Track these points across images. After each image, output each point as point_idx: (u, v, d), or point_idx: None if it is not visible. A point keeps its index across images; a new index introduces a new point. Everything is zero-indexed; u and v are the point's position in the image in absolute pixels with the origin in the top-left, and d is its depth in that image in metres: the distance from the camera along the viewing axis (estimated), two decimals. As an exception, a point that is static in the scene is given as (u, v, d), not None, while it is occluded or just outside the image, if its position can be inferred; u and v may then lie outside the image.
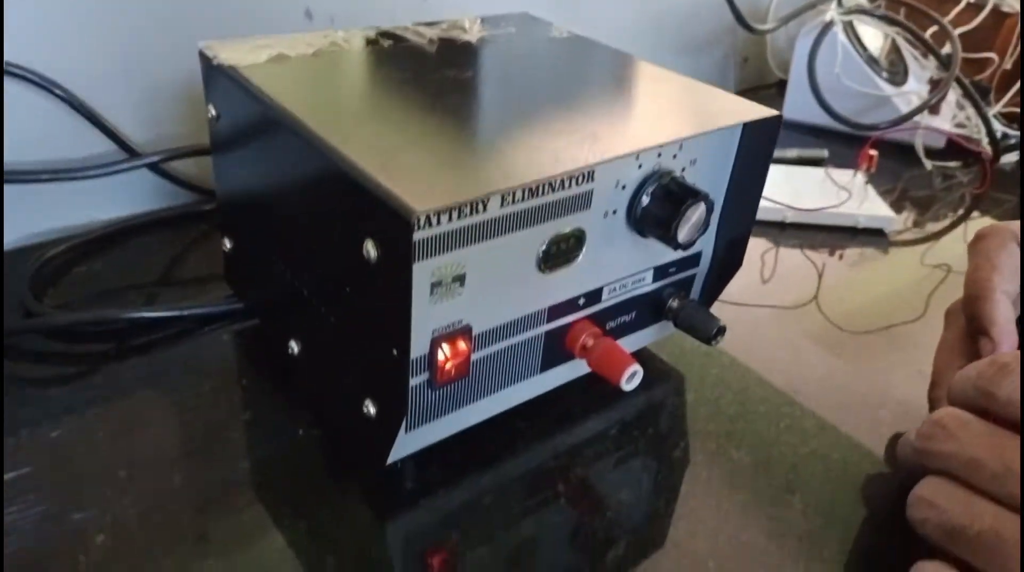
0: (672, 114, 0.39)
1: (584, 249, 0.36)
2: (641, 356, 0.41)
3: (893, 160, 0.75)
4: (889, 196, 0.67)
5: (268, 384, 0.41)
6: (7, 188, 0.49)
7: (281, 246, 0.39)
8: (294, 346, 0.40)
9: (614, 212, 0.36)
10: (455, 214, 0.30)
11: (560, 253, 0.35)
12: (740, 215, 0.41)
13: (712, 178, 0.39)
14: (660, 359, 0.46)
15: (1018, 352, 0.32)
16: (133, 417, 0.39)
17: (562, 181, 0.33)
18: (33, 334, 0.43)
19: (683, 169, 0.37)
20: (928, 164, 0.74)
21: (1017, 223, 0.41)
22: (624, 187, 0.35)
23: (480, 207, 0.30)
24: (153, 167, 0.52)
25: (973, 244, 0.41)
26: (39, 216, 0.50)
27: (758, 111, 0.38)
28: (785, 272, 0.57)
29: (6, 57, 0.46)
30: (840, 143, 0.74)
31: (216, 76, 0.39)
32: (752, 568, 0.34)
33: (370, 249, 0.30)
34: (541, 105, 0.38)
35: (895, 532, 0.36)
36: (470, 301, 0.33)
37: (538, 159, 0.32)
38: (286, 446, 0.38)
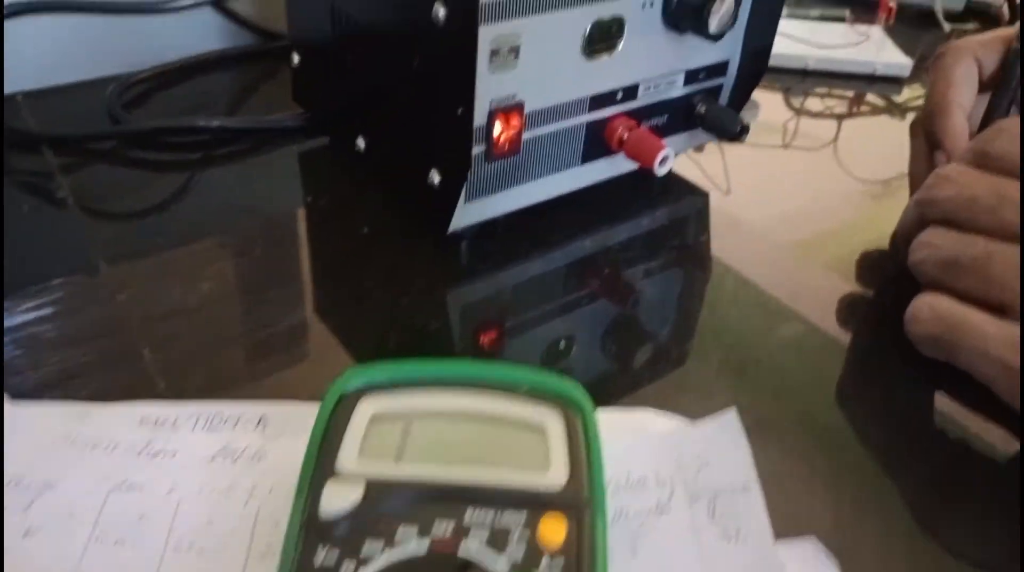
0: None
1: (623, 38, 0.39)
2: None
3: (912, 26, 0.77)
4: (909, 56, 0.70)
5: (336, 183, 0.46)
6: (88, 19, 0.53)
7: (352, 45, 0.43)
8: (361, 142, 0.44)
9: (651, 4, 0.40)
10: (513, -17, 0.34)
11: (602, 38, 0.39)
12: (764, 22, 0.45)
13: (740, -18, 0.42)
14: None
15: (1016, 118, 0.36)
16: (221, 213, 0.44)
17: (607, -38, 0.36)
18: (121, 140, 0.48)
19: (714, -32, 0.41)
20: (947, 26, 0.76)
21: (975, 38, 0.44)
22: (661, -22, 0.39)
23: (535, -23, 0.34)
24: (218, 6, 0.56)
25: (933, 62, 0.44)
26: (117, 50, 0.55)
27: (784, -86, 0.42)
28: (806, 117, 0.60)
29: None
30: (862, 9, 0.77)
31: None
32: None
33: (439, 10, 0.34)
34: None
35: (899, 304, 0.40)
36: (523, 77, 0.37)
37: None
38: (359, 230, 0.43)
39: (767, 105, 0.60)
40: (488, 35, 0.34)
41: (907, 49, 0.71)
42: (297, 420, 0.30)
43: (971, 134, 0.43)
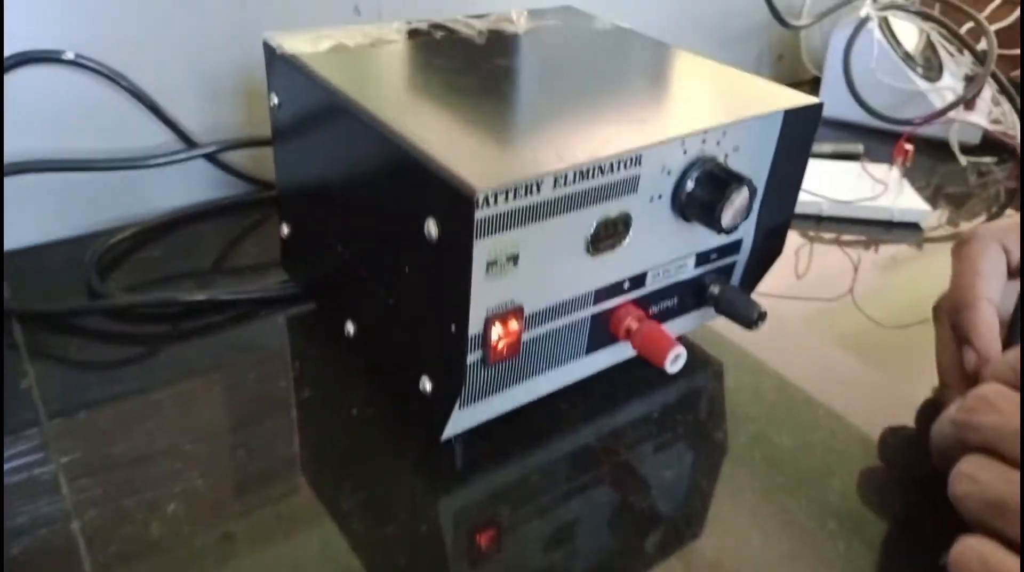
0: (715, 101, 0.40)
1: (630, 233, 0.37)
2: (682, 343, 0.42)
3: (927, 156, 0.75)
4: (924, 191, 0.68)
5: (323, 364, 0.43)
6: (76, 177, 0.51)
7: (341, 230, 0.40)
8: (350, 327, 0.41)
9: (659, 197, 0.37)
10: (511, 195, 0.31)
11: (607, 236, 0.36)
12: (780, 203, 0.42)
13: (754, 166, 0.40)
14: (699, 347, 0.47)
15: None
16: (193, 396, 0.41)
17: (612, 165, 0.34)
18: (97, 315, 0.45)
19: (726, 156, 0.38)
20: (963, 160, 0.74)
21: (1000, 224, 0.42)
22: (669, 172, 0.37)
23: (534, 188, 0.32)
24: (210, 158, 0.54)
25: (955, 250, 0.42)
26: (100, 205, 0.53)
27: (799, 99, 0.40)
28: (821, 266, 0.58)
29: (77, 50, 0.49)
30: (875, 139, 0.75)
31: (279, 65, 0.40)
32: (796, 546, 0.35)
33: (431, 228, 0.32)
34: (589, 92, 0.40)
35: (934, 511, 0.37)
36: (522, 281, 0.34)
37: (590, 143, 0.34)
38: (342, 423, 0.39)
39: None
40: (484, 248, 0.31)
41: (923, 183, 0.69)
42: None
43: (1002, 326, 0.40)
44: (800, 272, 0.56)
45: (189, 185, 0.55)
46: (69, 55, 0.48)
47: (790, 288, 0.54)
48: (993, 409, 0.32)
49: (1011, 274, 0.41)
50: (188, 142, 0.54)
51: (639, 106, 0.38)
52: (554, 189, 0.33)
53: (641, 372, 0.41)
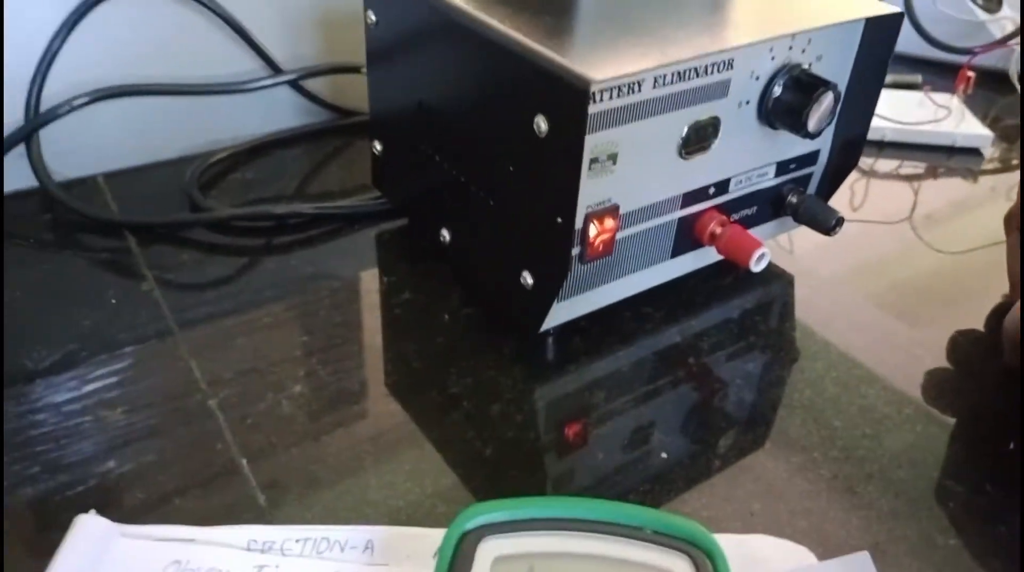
0: (800, 10, 0.41)
1: (719, 137, 0.39)
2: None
3: (987, 88, 0.75)
4: (983, 121, 0.69)
5: (417, 273, 0.46)
6: (170, 102, 0.54)
7: (440, 140, 0.42)
8: (446, 234, 0.44)
9: (747, 102, 0.39)
10: (616, 92, 0.33)
11: (698, 140, 0.38)
12: (858, 114, 0.44)
13: (836, 74, 0.42)
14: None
15: None
16: (297, 303, 0.43)
17: (706, 67, 0.36)
18: (202, 227, 0.48)
19: (810, 64, 0.40)
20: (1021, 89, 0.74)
21: None
22: (758, 78, 0.38)
23: (636, 87, 0.34)
24: (294, 84, 0.57)
25: None
26: (196, 129, 0.55)
27: (880, 7, 0.41)
28: (882, 188, 0.59)
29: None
30: (933, 72, 0.75)
31: (378, -18, 0.42)
32: (876, 429, 0.37)
33: (541, 123, 0.34)
34: (681, 5, 0.41)
35: (1004, 405, 0.39)
36: (619, 181, 0.36)
37: (685, 48, 0.35)
38: (440, 324, 0.42)
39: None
40: (588, 145, 0.34)
41: (981, 113, 0.69)
42: (403, 545, 0.29)
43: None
44: (862, 195, 0.58)
45: (275, 112, 0.58)
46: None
47: (853, 212, 0.56)
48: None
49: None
50: (275, 69, 0.56)
51: (729, 15, 0.40)
52: (653, 89, 0.34)
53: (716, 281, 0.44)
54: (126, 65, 0.52)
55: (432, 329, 0.42)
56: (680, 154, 0.38)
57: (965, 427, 0.38)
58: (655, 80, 0.34)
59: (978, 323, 0.44)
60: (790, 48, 0.39)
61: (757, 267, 0.40)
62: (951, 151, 0.63)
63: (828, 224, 0.43)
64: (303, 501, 0.32)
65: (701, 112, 0.37)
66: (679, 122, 0.37)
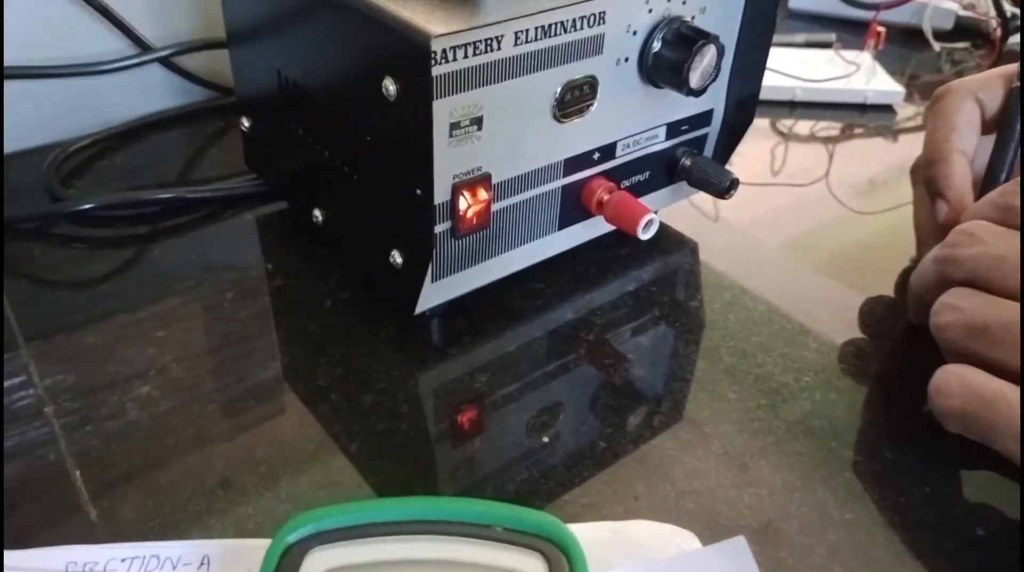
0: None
1: (597, 98, 0.36)
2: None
3: (901, 45, 0.74)
4: (898, 78, 0.67)
5: (294, 256, 0.43)
6: (26, 85, 0.49)
7: (300, 113, 0.39)
8: (318, 214, 0.41)
9: (626, 60, 0.36)
10: (471, 50, 0.30)
11: (574, 100, 0.35)
12: (750, 70, 0.42)
13: (722, 28, 0.39)
14: (673, 229, 0.46)
15: None
16: (169, 290, 0.40)
17: (574, 21, 0.33)
18: (63, 220, 0.44)
19: (693, 17, 0.38)
20: (936, 46, 0.73)
21: (975, 78, 0.41)
22: (635, 33, 0.36)
23: (495, 44, 0.31)
24: (166, 62, 0.53)
25: (931, 105, 0.41)
26: (59, 115, 0.51)
27: (764, -44, 0.39)
28: (796, 150, 0.57)
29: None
30: (848, 31, 0.74)
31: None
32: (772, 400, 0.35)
33: (389, 85, 0.31)
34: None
35: (910, 357, 0.37)
36: (488, 147, 0.33)
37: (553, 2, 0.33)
38: (315, 310, 0.39)
39: (754, 136, 0.57)
40: (445, 108, 0.31)
41: (896, 71, 0.68)
42: (244, 559, 0.26)
43: (975, 180, 0.40)
44: (776, 159, 0.56)
45: (147, 93, 0.54)
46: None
47: (763, 175, 0.54)
48: (975, 240, 0.32)
49: (986, 129, 0.41)
50: (143, 47, 0.52)
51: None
52: (515, 46, 0.32)
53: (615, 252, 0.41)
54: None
55: (306, 316, 0.39)
56: (555, 117, 0.35)
57: (866, 393, 0.36)
58: (516, 36, 0.31)
59: (890, 287, 0.43)
60: (669, 0, 0.36)
61: (645, 235, 0.38)
62: (864, 109, 0.62)
63: (722, 186, 0.41)
64: (140, 514, 0.29)
65: (574, 71, 0.35)
66: (551, 82, 0.34)
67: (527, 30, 0.32)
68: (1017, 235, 0.31)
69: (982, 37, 0.75)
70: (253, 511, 0.29)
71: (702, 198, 0.46)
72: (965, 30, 0.76)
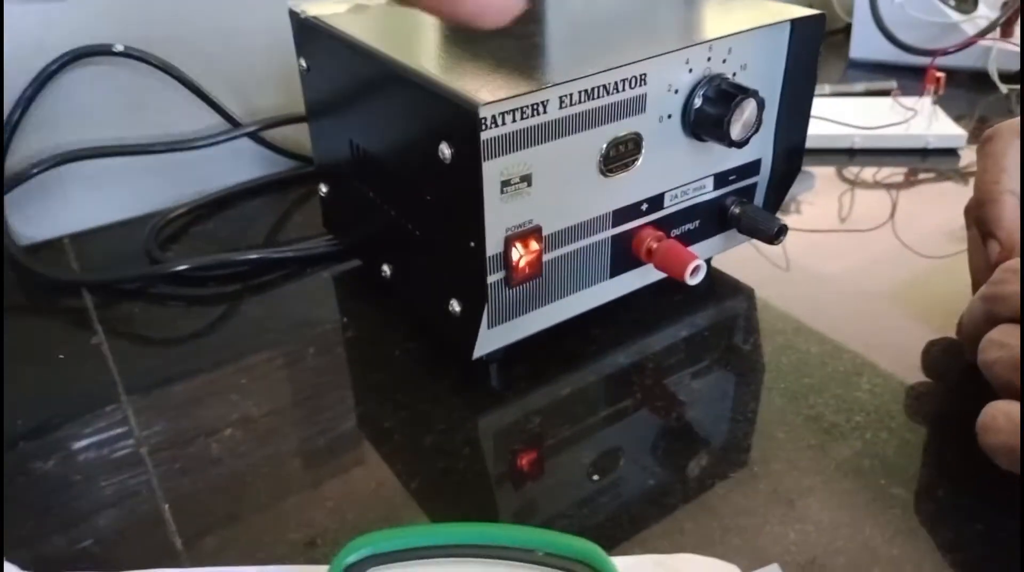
0: (720, 20, 0.41)
1: (643, 153, 0.38)
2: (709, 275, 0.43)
3: (968, 88, 0.74)
4: (965, 122, 0.67)
5: (366, 310, 0.46)
6: (131, 161, 0.55)
7: (371, 176, 0.43)
8: (386, 269, 0.44)
9: (669, 116, 0.39)
10: (518, 115, 0.33)
11: (619, 156, 0.38)
12: (795, 120, 0.43)
13: (764, 83, 0.41)
14: (729, 275, 0.48)
15: None
16: (256, 341, 0.44)
17: (616, 83, 0.36)
18: (159, 281, 0.49)
19: (734, 74, 0.39)
20: (1003, 88, 0.73)
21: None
22: (676, 91, 0.38)
23: (540, 108, 0.34)
24: (254, 136, 0.58)
25: (981, 146, 0.42)
26: (159, 187, 0.57)
27: (801, 11, 0.40)
28: (862, 196, 0.58)
29: (127, 43, 0.53)
30: (910, 78, 0.74)
31: (305, 30, 0.43)
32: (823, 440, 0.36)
33: (445, 150, 0.34)
34: (596, 24, 0.41)
35: (968, 398, 0.37)
36: (539, 201, 0.36)
37: (592, 64, 0.35)
38: (384, 358, 0.42)
39: (820, 183, 0.58)
40: (496, 168, 0.33)
41: (964, 114, 0.68)
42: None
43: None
44: (844, 206, 0.57)
45: (238, 165, 0.59)
46: (119, 47, 0.52)
47: (830, 221, 0.54)
48: (1020, 278, 0.33)
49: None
50: (233, 123, 0.57)
51: (645, 32, 0.40)
52: (560, 108, 0.34)
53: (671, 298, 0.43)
54: (88, 129, 0.54)
55: (375, 365, 0.41)
56: (602, 172, 0.38)
57: (920, 433, 0.36)
58: (560, 100, 0.34)
59: (951, 329, 0.43)
60: (708, 59, 0.38)
61: (693, 280, 0.39)
62: (925, 154, 0.62)
63: (771, 232, 0.42)
64: (221, 542, 0.32)
65: (619, 129, 0.37)
66: (596, 140, 0.37)
67: (571, 94, 0.34)
68: None
69: (1053, 77, 0.74)
70: (321, 541, 0.31)
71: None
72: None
